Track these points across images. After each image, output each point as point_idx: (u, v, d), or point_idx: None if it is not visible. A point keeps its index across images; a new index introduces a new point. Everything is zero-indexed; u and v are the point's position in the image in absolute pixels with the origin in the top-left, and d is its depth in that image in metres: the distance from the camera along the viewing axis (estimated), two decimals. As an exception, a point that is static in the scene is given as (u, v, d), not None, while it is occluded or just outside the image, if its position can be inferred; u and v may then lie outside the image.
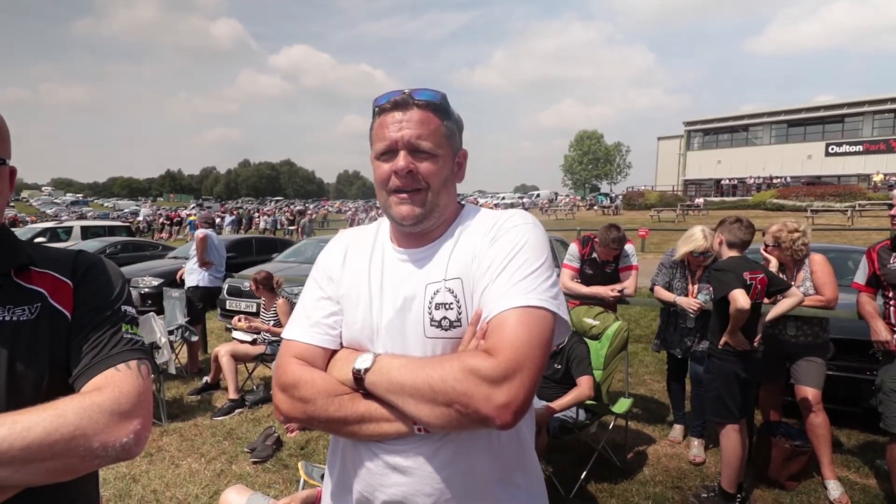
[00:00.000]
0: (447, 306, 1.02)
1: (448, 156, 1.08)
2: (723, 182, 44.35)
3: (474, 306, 1.01)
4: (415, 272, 1.07)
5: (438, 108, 1.06)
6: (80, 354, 0.92)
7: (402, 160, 1.02)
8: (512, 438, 1.05)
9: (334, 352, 1.08)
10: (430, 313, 1.02)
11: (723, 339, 2.95)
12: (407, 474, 1.00)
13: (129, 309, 1.01)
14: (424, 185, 1.04)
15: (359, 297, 1.09)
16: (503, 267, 0.99)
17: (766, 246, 3.51)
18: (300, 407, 1.01)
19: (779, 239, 3.41)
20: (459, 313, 1.02)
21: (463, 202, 1.20)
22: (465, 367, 0.89)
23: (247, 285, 6.74)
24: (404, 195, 1.04)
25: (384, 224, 1.18)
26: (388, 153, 1.04)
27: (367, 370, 0.98)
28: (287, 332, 1.11)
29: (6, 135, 0.94)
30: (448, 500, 1.00)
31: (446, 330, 1.02)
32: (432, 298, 1.03)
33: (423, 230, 1.08)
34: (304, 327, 1.09)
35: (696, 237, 3.73)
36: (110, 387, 0.88)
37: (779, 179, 39.15)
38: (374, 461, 1.02)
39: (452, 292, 1.03)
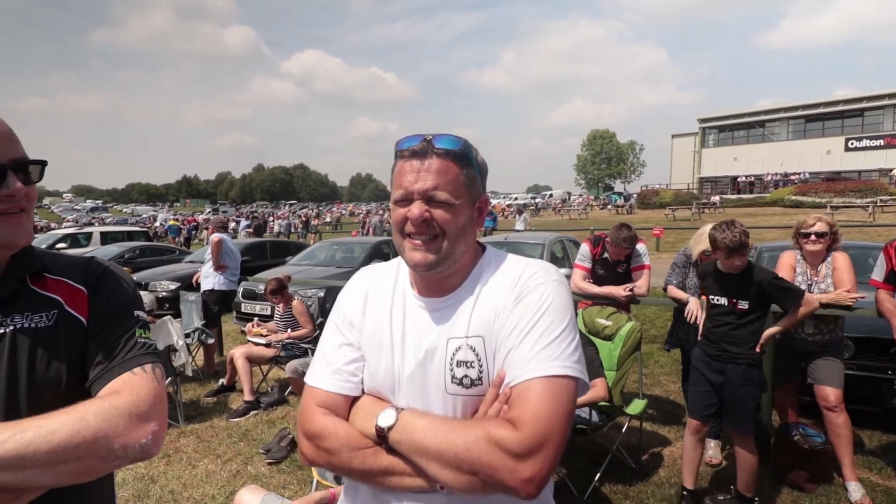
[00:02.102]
0: (468, 364, 1.02)
1: (466, 204, 1.06)
2: (739, 179, 43.77)
3: (496, 365, 1.01)
4: (436, 323, 1.07)
5: (458, 156, 1.05)
6: (96, 359, 0.95)
7: (416, 208, 1.02)
8: None
9: (356, 397, 1.09)
10: (451, 370, 1.03)
11: (763, 339, 2.92)
12: None
13: (142, 314, 1.04)
14: (440, 231, 1.03)
15: (381, 346, 1.09)
16: (528, 330, 0.98)
17: (823, 235, 3.32)
18: (324, 457, 1.03)
19: (833, 228, 3.36)
20: (481, 372, 1.02)
21: (485, 245, 1.19)
22: (490, 439, 0.90)
23: (261, 288, 6.81)
24: (418, 242, 1.03)
25: (403, 265, 1.16)
26: (405, 200, 1.04)
27: (390, 428, 0.98)
28: (309, 378, 1.12)
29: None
30: None
31: (467, 388, 1.02)
32: (454, 355, 1.03)
33: (437, 275, 1.07)
34: (325, 374, 1.09)
35: (707, 235, 3.69)
36: (128, 390, 0.90)
37: (797, 176, 38.53)
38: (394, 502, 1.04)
39: (474, 350, 1.03)
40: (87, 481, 0.85)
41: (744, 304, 2.88)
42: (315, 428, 1.04)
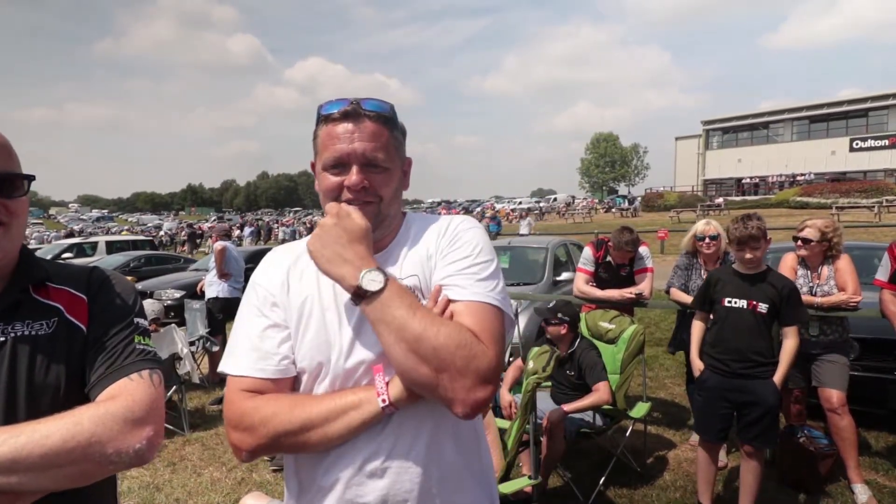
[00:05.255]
0: None
1: (398, 167, 1.08)
2: (744, 181, 43.67)
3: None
4: None
5: (388, 119, 1.06)
6: (95, 365, 0.96)
7: (355, 175, 1.01)
8: (469, 425, 1.08)
9: (287, 381, 1.03)
10: None
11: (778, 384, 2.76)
12: (384, 476, 0.98)
13: (142, 321, 1.05)
14: (376, 198, 1.04)
15: (311, 316, 1.04)
16: (467, 264, 1.03)
17: (808, 242, 3.33)
18: (261, 431, 0.95)
19: (826, 234, 3.32)
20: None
21: (407, 210, 1.19)
22: (473, 342, 0.93)
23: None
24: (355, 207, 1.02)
25: None
26: (339, 166, 1.02)
27: (380, 290, 0.93)
28: (232, 367, 1.03)
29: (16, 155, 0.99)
30: (427, 492, 1.00)
31: None
32: None
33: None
34: (253, 360, 1.01)
35: (696, 225, 3.85)
36: (123, 395, 0.91)
37: (802, 177, 38.41)
38: (346, 473, 0.98)
39: (410, 288, 1.03)
40: (83, 486, 0.87)
41: (763, 308, 2.75)
42: (242, 407, 0.98)
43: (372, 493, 0.98)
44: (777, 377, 2.73)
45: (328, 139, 1.03)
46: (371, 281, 0.94)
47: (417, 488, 0.99)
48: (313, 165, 1.11)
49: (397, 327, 0.92)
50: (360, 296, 0.95)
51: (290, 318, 1.05)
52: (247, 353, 1.03)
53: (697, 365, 2.96)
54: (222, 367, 1.06)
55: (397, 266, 1.07)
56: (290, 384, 1.04)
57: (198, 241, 30.21)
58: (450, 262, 1.04)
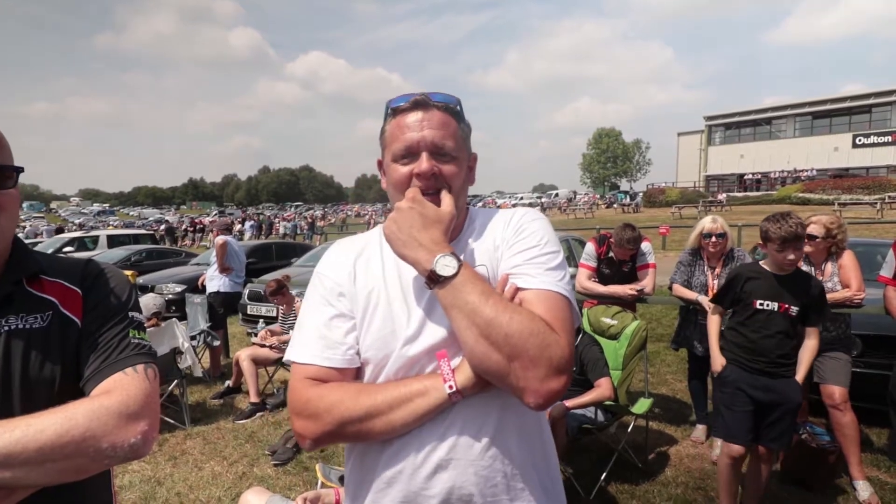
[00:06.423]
0: None
1: (464, 159, 1.08)
2: (746, 177, 43.54)
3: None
4: None
5: (455, 111, 1.07)
6: (89, 359, 0.95)
7: (425, 162, 1.01)
8: (534, 421, 1.06)
9: (350, 371, 1.03)
10: None
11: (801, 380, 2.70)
12: (448, 468, 0.96)
13: (137, 315, 1.04)
14: (447, 186, 1.03)
15: (377, 307, 1.03)
16: (534, 254, 1.02)
17: (813, 238, 3.30)
18: (326, 418, 0.95)
19: (831, 231, 3.30)
20: None
21: (473, 204, 1.19)
22: (546, 329, 0.91)
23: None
24: (426, 198, 1.01)
25: None
26: (409, 156, 1.03)
27: (453, 275, 0.92)
28: (298, 355, 1.03)
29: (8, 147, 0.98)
30: (493, 487, 0.97)
31: None
32: None
33: None
34: (319, 349, 1.01)
35: (703, 222, 3.80)
36: (118, 390, 0.91)
37: (804, 173, 38.30)
38: (410, 464, 0.97)
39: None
40: (77, 480, 0.86)
41: (794, 310, 2.63)
42: (307, 394, 0.98)
43: (437, 485, 0.96)
44: (799, 376, 2.68)
45: (397, 130, 1.04)
46: (445, 266, 0.93)
47: (483, 482, 0.97)
48: (380, 163, 1.12)
49: (469, 312, 0.90)
50: (433, 280, 0.94)
51: (356, 308, 1.05)
52: (314, 342, 1.03)
53: (719, 360, 2.86)
54: (288, 356, 1.05)
55: (466, 257, 1.06)
56: (355, 374, 1.04)
57: (176, 235, 29.97)
58: (517, 252, 1.03)
